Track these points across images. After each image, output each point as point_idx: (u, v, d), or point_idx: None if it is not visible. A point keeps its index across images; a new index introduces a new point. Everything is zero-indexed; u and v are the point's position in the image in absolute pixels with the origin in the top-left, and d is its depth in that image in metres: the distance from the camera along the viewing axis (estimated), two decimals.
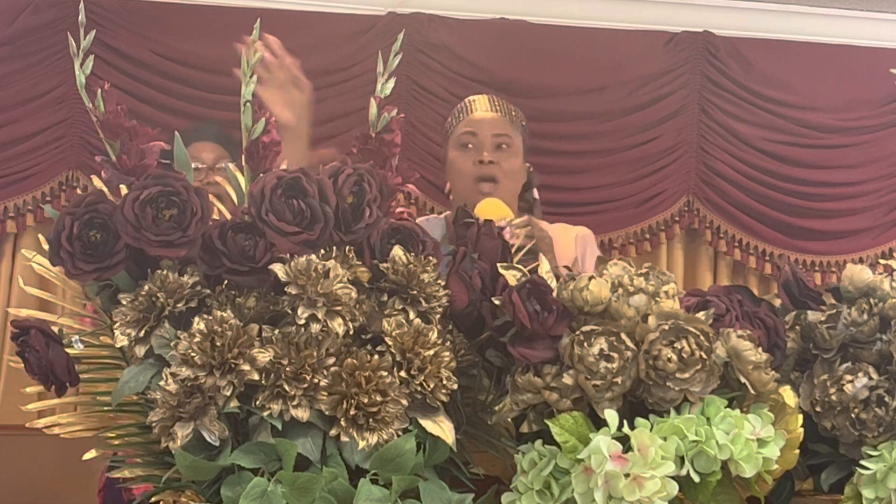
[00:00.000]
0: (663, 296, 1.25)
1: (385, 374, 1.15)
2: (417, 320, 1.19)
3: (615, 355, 1.19)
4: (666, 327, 1.20)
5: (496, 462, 1.29)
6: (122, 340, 1.16)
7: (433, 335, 1.18)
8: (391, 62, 1.35)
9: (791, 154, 4.16)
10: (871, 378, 1.31)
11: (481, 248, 1.28)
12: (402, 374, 1.16)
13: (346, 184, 1.22)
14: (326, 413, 1.13)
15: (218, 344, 1.11)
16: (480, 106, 2.38)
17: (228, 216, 1.30)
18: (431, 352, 1.17)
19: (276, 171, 1.22)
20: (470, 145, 2.30)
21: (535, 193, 2.47)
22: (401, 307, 1.20)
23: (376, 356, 1.16)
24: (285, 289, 1.15)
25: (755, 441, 1.19)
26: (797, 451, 1.27)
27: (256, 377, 1.12)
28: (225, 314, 1.14)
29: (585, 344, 1.19)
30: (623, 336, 1.20)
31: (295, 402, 1.12)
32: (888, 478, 1.27)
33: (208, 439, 1.12)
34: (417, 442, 1.14)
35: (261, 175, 1.23)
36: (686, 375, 1.18)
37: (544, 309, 1.21)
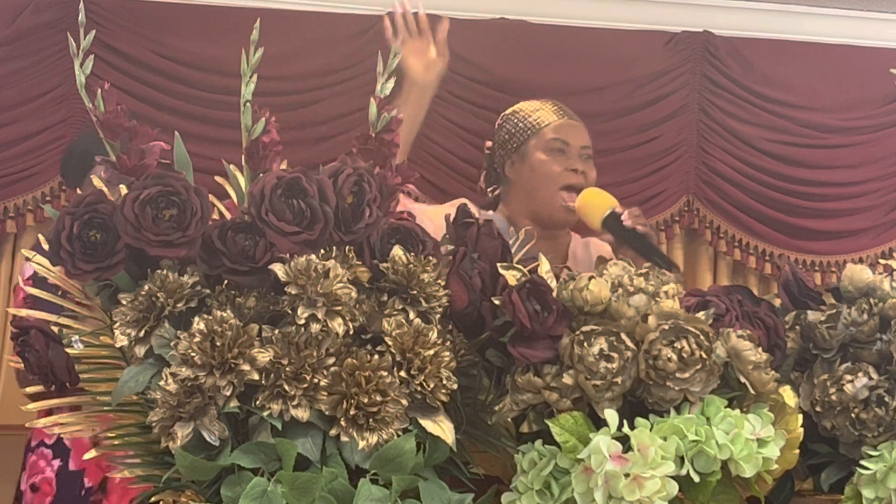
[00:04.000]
0: (663, 296, 1.25)
1: (385, 374, 1.15)
2: (417, 320, 1.19)
3: (615, 355, 1.19)
4: (666, 327, 1.20)
5: (496, 462, 1.29)
6: (122, 340, 1.16)
7: (433, 335, 1.18)
8: (391, 62, 1.35)
9: (791, 154, 4.15)
10: (871, 378, 1.31)
11: (481, 248, 1.28)
12: (402, 374, 1.16)
13: (346, 184, 1.22)
14: (326, 413, 1.13)
15: (218, 344, 1.11)
16: (560, 113, 2.38)
17: (228, 216, 1.30)
18: (431, 352, 1.17)
19: (276, 171, 1.22)
20: (561, 152, 2.30)
21: None
22: (401, 307, 1.20)
23: (376, 356, 1.16)
24: (285, 289, 1.15)
25: (755, 441, 1.19)
26: (797, 451, 1.27)
27: (256, 377, 1.12)
28: (225, 314, 1.14)
29: (585, 344, 1.19)
30: (623, 336, 1.20)
31: (295, 402, 1.12)
32: (888, 478, 1.27)
33: (208, 439, 1.11)
34: (417, 442, 1.14)
35: (261, 175, 1.23)
36: (686, 375, 1.18)
37: (544, 309, 1.21)
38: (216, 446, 1.12)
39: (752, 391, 1.23)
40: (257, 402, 1.12)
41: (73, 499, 2.54)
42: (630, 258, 1.96)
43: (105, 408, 1.23)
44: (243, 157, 1.29)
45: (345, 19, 3.89)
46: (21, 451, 2.64)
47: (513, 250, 1.37)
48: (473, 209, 2.33)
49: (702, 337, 1.20)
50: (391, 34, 2.35)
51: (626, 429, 1.17)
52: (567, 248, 2.32)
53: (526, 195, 2.31)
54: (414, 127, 2.34)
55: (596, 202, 2.10)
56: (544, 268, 1.32)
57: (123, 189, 1.22)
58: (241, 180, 1.30)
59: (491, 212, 2.36)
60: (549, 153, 2.30)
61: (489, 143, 2.46)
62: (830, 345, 1.34)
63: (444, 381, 1.18)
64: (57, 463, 2.55)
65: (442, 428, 1.17)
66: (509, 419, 1.27)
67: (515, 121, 2.40)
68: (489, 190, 2.42)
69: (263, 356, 1.12)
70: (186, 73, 3.81)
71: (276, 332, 1.15)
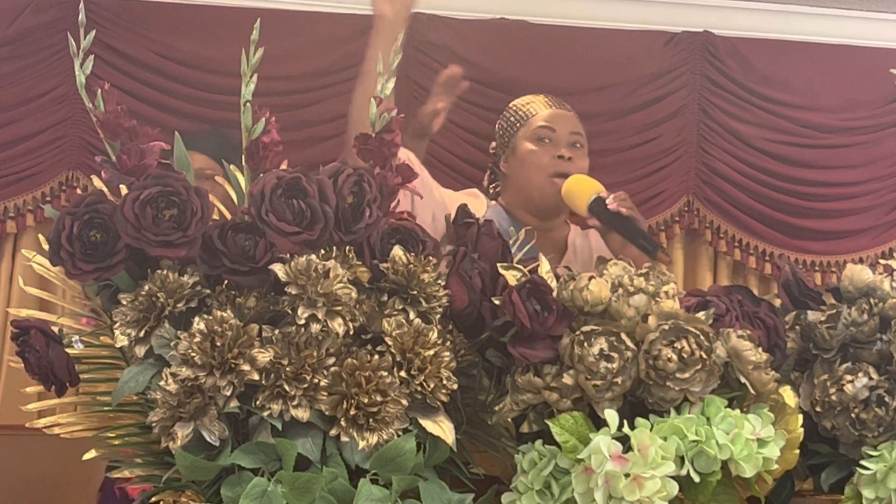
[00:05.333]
0: (663, 296, 1.25)
1: (385, 374, 1.15)
2: (417, 320, 1.19)
3: (615, 355, 1.19)
4: (666, 327, 1.20)
5: (496, 462, 1.29)
6: (122, 340, 1.16)
7: (433, 335, 1.18)
8: (391, 62, 1.35)
9: (791, 154, 4.15)
10: (871, 378, 1.31)
11: (481, 248, 1.28)
12: (402, 374, 1.16)
13: (346, 184, 1.22)
14: (326, 413, 1.13)
15: (218, 344, 1.11)
16: (549, 103, 2.37)
17: (228, 216, 1.30)
18: (431, 352, 1.17)
19: (276, 171, 1.21)
20: (548, 140, 2.29)
21: None
22: (401, 307, 1.20)
23: (376, 356, 1.16)
24: (285, 289, 1.15)
25: (755, 441, 1.19)
26: (797, 451, 1.27)
27: (256, 377, 1.12)
28: (225, 314, 1.14)
29: (585, 344, 1.19)
30: (623, 336, 1.20)
31: (295, 402, 1.12)
32: (888, 478, 1.27)
33: (208, 439, 1.11)
34: (417, 442, 1.14)
35: (261, 175, 1.23)
36: (686, 375, 1.18)
37: (544, 309, 1.21)
38: (216, 446, 1.12)
39: (752, 391, 1.23)
40: (257, 402, 1.12)
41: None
42: (619, 243, 1.97)
43: (105, 408, 1.23)
44: (243, 157, 1.29)
45: (345, 19, 3.89)
46: (21, 451, 2.64)
47: (512, 250, 1.37)
48: (481, 200, 2.34)
49: (702, 337, 1.20)
50: None
51: (626, 429, 1.17)
52: (566, 239, 2.32)
53: (519, 187, 2.30)
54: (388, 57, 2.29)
55: (581, 188, 2.09)
56: (544, 268, 1.32)
57: (123, 189, 1.22)
58: (241, 180, 1.30)
59: (493, 202, 2.36)
60: (536, 142, 2.29)
61: (493, 144, 2.47)
62: (830, 345, 1.34)
63: (444, 381, 1.18)
64: None
65: (442, 428, 1.17)
66: (509, 419, 1.27)
67: (507, 115, 2.41)
68: (490, 187, 2.43)
69: (263, 356, 1.12)
70: (186, 73, 3.81)
71: (276, 332, 1.15)
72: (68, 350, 1.22)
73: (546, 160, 2.26)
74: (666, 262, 1.98)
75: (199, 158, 2.42)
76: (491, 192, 2.42)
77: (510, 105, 2.44)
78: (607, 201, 2.01)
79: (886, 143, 4.21)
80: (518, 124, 2.36)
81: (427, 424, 1.17)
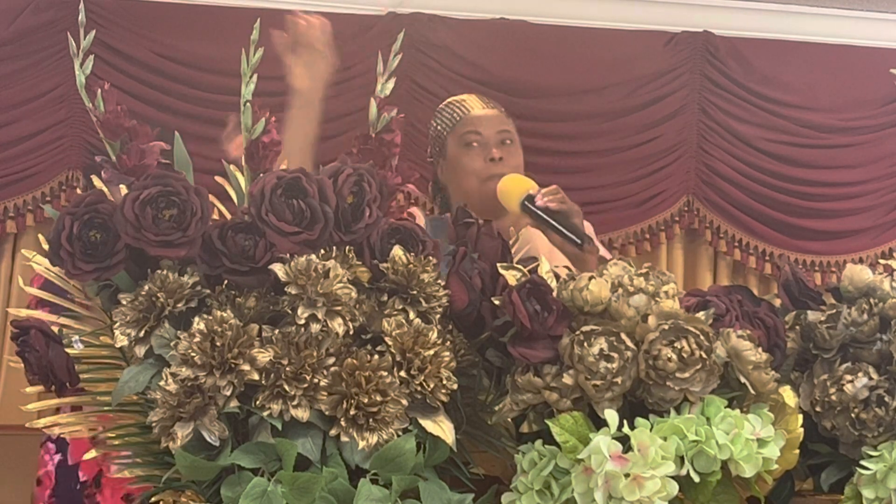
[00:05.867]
0: (663, 296, 1.25)
1: (385, 374, 1.15)
2: (417, 320, 1.19)
3: (615, 355, 1.19)
4: (666, 327, 1.20)
5: (496, 462, 1.29)
6: (122, 340, 1.16)
7: (433, 335, 1.18)
8: (391, 62, 1.35)
9: (791, 154, 4.16)
10: (871, 378, 1.31)
11: (481, 248, 1.28)
12: (402, 374, 1.16)
13: (346, 184, 1.21)
14: (326, 413, 1.13)
15: (218, 344, 1.11)
16: (475, 104, 2.35)
17: (228, 216, 1.30)
18: (431, 352, 1.17)
19: (276, 170, 1.21)
20: (475, 143, 2.27)
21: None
22: (401, 307, 1.20)
23: (376, 356, 1.16)
24: (285, 289, 1.14)
25: (755, 441, 1.19)
26: (797, 451, 1.27)
27: (256, 377, 1.12)
28: (225, 314, 1.14)
29: (585, 344, 1.19)
30: (623, 336, 1.20)
31: (295, 402, 1.12)
32: (888, 478, 1.27)
33: (208, 439, 1.11)
34: (417, 442, 1.14)
35: (261, 175, 1.23)
36: (686, 375, 1.18)
37: (544, 309, 1.21)
38: (216, 446, 1.12)
39: (752, 391, 1.23)
40: (257, 402, 1.12)
41: (70, 492, 2.56)
42: (557, 238, 1.95)
43: (105, 408, 1.23)
44: (243, 157, 1.29)
45: (345, 19, 3.89)
46: (20, 451, 2.65)
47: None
48: (419, 217, 2.30)
49: (702, 337, 1.20)
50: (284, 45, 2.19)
51: (626, 429, 1.16)
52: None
53: (459, 194, 2.27)
54: (309, 140, 2.22)
55: (512, 188, 2.06)
56: (544, 268, 1.32)
57: (123, 189, 1.22)
58: (241, 180, 1.30)
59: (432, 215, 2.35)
60: (464, 148, 2.27)
61: (429, 151, 2.43)
62: (830, 345, 1.34)
63: (444, 381, 1.18)
64: (58, 457, 2.58)
65: (442, 428, 1.17)
66: (509, 419, 1.27)
67: (435, 124, 2.37)
68: (435, 200, 2.40)
69: (263, 356, 1.12)
70: (186, 73, 3.82)
71: (276, 332, 1.15)
72: (68, 350, 1.22)
73: (477, 164, 2.24)
74: (594, 254, 1.97)
75: None
76: (436, 204, 2.39)
77: (438, 109, 2.40)
78: (536, 198, 1.99)
79: (886, 143, 4.22)
80: (445, 131, 2.33)
81: (427, 424, 1.17)
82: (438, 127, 2.36)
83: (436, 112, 2.41)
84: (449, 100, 2.41)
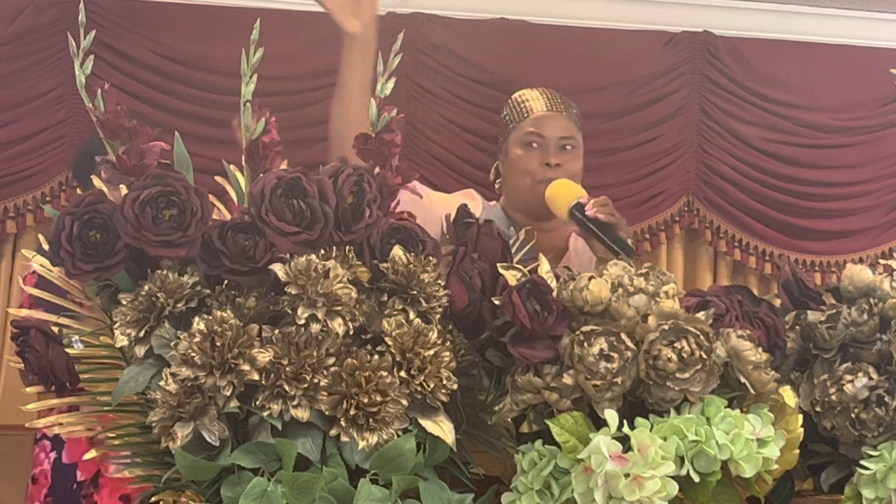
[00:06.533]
0: (663, 296, 1.25)
1: (385, 374, 1.15)
2: (417, 320, 1.19)
3: (615, 355, 1.19)
4: (666, 327, 1.20)
5: (496, 462, 1.29)
6: (122, 340, 1.16)
7: (433, 335, 1.18)
8: (391, 62, 1.35)
9: (791, 154, 4.16)
10: (871, 378, 1.31)
11: (481, 248, 1.28)
12: (402, 374, 1.16)
13: (346, 184, 1.22)
14: (326, 413, 1.13)
15: (218, 344, 1.11)
16: (543, 104, 2.32)
17: (228, 216, 1.30)
18: (431, 352, 1.17)
19: (276, 171, 1.21)
20: (535, 144, 2.26)
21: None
22: (401, 307, 1.20)
23: (376, 356, 1.16)
24: (285, 289, 1.14)
25: (755, 441, 1.19)
26: (797, 451, 1.27)
27: (256, 377, 1.12)
28: (225, 314, 1.14)
29: (585, 344, 1.19)
30: (623, 336, 1.20)
31: (295, 402, 1.12)
32: (888, 478, 1.27)
33: (208, 439, 1.11)
34: (417, 442, 1.14)
35: (261, 175, 1.23)
36: (686, 375, 1.18)
37: (544, 309, 1.21)
38: (216, 446, 1.12)
39: (752, 391, 1.23)
40: (257, 402, 1.12)
41: (66, 491, 2.56)
42: (601, 248, 1.95)
43: (105, 408, 1.23)
44: (243, 157, 1.29)
45: None
46: (20, 451, 2.65)
47: (512, 250, 1.36)
48: (477, 201, 2.32)
49: (702, 337, 1.20)
50: None
51: (626, 429, 1.16)
52: (568, 240, 2.31)
53: (514, 190, 2.28)
54: (367, 84, 2.25)
55: (562, 193, 2.07)
56: (544, 268, 1.32)
57: (123, 189, 1.22)
58: (241, 180, 1.30)
59: (493, 202, 2.35)
60: (524, 148, 2.26)
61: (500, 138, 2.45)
62: (830, 345, 1.34)
63: (444, 381, 1.18)
64: (53, 455, 2.58)
65: (442, 428, 1.17)
66: (509, 419, 1.27)
67: (504, 113, 2.38)
68: (495, 183, 2.41)
69: (263, 356, 1.12)
70: (186, 73, 3.82)
71: (276, 332, 1.15)
72: (68, 350, 1.22)
73: (534, 166, 2.24)
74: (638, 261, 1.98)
75: None
76: (497, 188, 2.40)
77: (509, 100, 2.40)
78: (586, 207, 2.00)
79: (886, 143, 4.22)
80: (511, 125, 2.34)
81: (427, 424, 1.17)
82: (505, 118, 2.36)
83: (505, 104, 2.40)
84: (521, 92, 2.39)
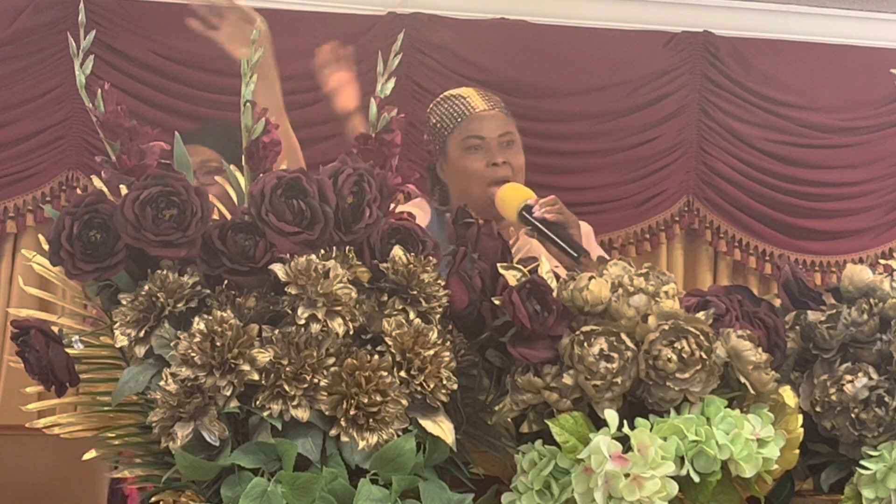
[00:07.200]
0: (663, 296, 1.25)
1: (385, 374, 1.15)
2: (417, 320, 1.19)
3: (615, 355, 1.19)
4: (666, 327, 1.20)
5: (496, 462, 1.29)
6: (122, 340, 1.16)
7: (433, 335, 1.18)
8: (391, 62, 1.35)
9: (791, 154, 4.16)
10: (871, 378, 1.31)
11: (481, 248, 1.28)
12: (402, 374, 1.16)
13: (346, 184, 1.22)
14: (326, 413, 1.13)
15: (218, 344, 1.11)
16: (477, 104, 2.33)
17: (228, 216, 1.30)
18: (431, 352, 1.17)
19: (276, 170, 1.22)
20: (477, 147, 2.26)
21: None
22: (401, 307, 1.20)
23: (376, 356, 1.16)
24: (285, 289, 1.15)
25: (755, 441, 1.19)
26: (797, 451, 1.27)
27: (256, 377, 1.12)
28: (225, 314, 1.14)
29: (585, 344, 1.19)
30: (623, 336, 1.20)
31: (295, 402, 1.12)
32: (888, 478, 1.27)
33: (208, 439, 1.12)
34: (417, 442, 1.14)
35: (261, 175, 1.23)
36: (686, 375, 1.18)
37: (544, 309, 1.21)
38: (216, 446, 1.12)
39: (752, 391, 1.23)
40: (257, 402, 1.12)
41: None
42: (553, 250, 1.96)
43: (105, 408, 1.23)
44: (243, 157, 1.29)
45: (345, 19, 3.89)
46: (21, 451, 2.64)
47: None
48: (426, 211, 2.30)
49: (702, 337, 1.20)
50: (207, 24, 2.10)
51: (626, 429, 1.17)
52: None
53: (461, 194, 2.26)
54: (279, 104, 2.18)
55: (510, 196, 2.08)
56: (544, 268, 1.32)
57: (123, 189, 1.22)
58: (241, 180, 1.30)
59: (440, 209, 2.34)
60: (465, 151, 2.26)
61: (425, 137, 2.41)
62: (830, 345, 1.34)
63: (444, 381, 1.18)
64: None
65: (442, 428, 1.17)
66: (509, 419, 1.27)
67: (435, 119, 2.35)
68: (433, 192, 2.39)
69: (263, 356, 1.12)
70: (186, 73, 3.82)
71: (276, 332, 1.15)
72: (68, 350, 1.22)
73: (479, 167, 2.23)
74: (589, 265, 1.98)
75: (205, 151, 2.39)
76: (437, 196, 2.38)
77: (437, 102, 2.37)
78: (534, 208, 2.00)
79: (886, 143, 4.22)
80: (446, 131, 2.31)
81: (427, 424, 1.17)
82: (438, 124, 2.34)
83: (435, 104, 2.38)
84: (448, 93, 2.38)
